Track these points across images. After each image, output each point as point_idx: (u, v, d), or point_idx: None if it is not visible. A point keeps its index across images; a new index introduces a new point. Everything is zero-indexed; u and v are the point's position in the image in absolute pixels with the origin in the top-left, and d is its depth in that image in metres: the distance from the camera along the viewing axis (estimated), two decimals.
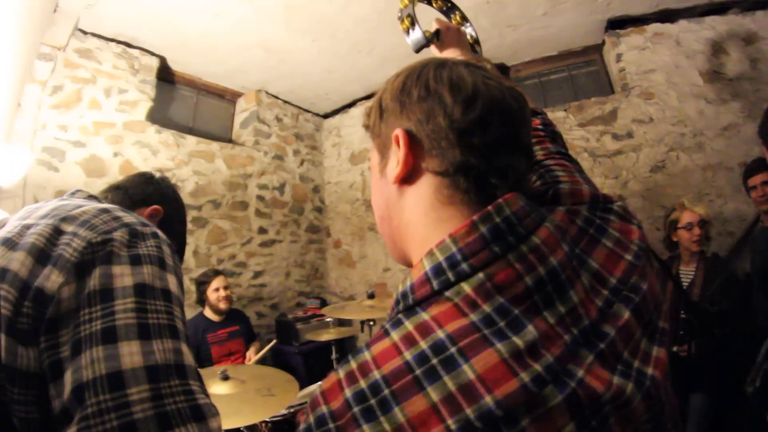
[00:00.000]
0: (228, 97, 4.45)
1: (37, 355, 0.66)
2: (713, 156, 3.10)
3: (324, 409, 0.46)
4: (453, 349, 0.44)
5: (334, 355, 3.23)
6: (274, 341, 3.29)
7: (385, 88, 0.64)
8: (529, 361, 0.43)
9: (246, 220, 4.20)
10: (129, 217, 0.82)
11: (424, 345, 0.45)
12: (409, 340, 0.46)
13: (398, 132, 0.58)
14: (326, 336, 3.17)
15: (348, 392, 0.45)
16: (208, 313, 3.28)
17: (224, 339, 3.25)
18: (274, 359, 3.73)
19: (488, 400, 0.40)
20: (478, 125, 0.54)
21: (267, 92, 4.49)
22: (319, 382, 2.48)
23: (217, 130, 4.34)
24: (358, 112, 4.93)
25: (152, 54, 3.51)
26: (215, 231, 3.90)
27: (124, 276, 0.72)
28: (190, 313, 3.31)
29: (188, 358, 0.72)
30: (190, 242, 3.67)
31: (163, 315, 0.73)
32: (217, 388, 2.04)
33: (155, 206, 1.14)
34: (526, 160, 0.59)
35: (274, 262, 4.43)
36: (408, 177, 0.59)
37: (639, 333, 0.53)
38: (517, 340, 0.44)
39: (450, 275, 0.49)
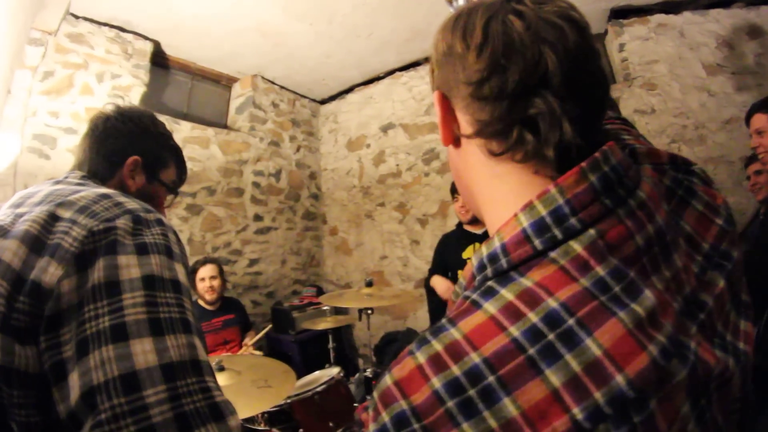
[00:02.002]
0: (223, 82, 4.37)
1: (36, 355, 0.62)
2: (715, 149, 3.07)
3: (403, 404, 0.39)
4: (571, 321, 0.37)
5: (330, 344, 3.22)
6: (270, 326, 3.27)
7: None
8: (651, 332, 0.38)
9: (241, 207, 4.15)
10: (131, 203, 0.77)
11: (534, 317, 0.38)
12: (513, 313, 0.39)
13: (434, 95, 0.55)
14: (323, 324, 3.15)
15: (436, 382, 0.38)
16: (202, 302, 3.24)
17: (219, 327, 3.22)
18: (269, 348, 3.72)
19: (620, 379, 0.35)
20: (491, 72, 0.46)
21: (263, 77, 4.42)
22: (317, 372, 2.47)
23: (212, 116, 4.28)
24: (355, 98, 4.87)
25: (146, 38, 3.43)
26: (210, 218, 3.85)
27: (130, 267, 0.67)
28: None
29: (202, 352, 0.69)
30: (185, 230, 3.63)
31: (174, 308, 0.68)
32: None
33: (130, 158, 1.01)
34: (574, 103, 0.45)
35: (270, 249, 4.40)
36: (456, 138, 0.55)
37: (729, 304, 0.48)
38: (637, 308, 0.38)
39: (557, 232, 0.42)
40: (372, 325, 3.17)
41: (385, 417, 0.39)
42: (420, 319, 4.13)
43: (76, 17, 3.03)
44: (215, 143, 3.95)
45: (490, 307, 0.41)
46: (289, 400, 2.35)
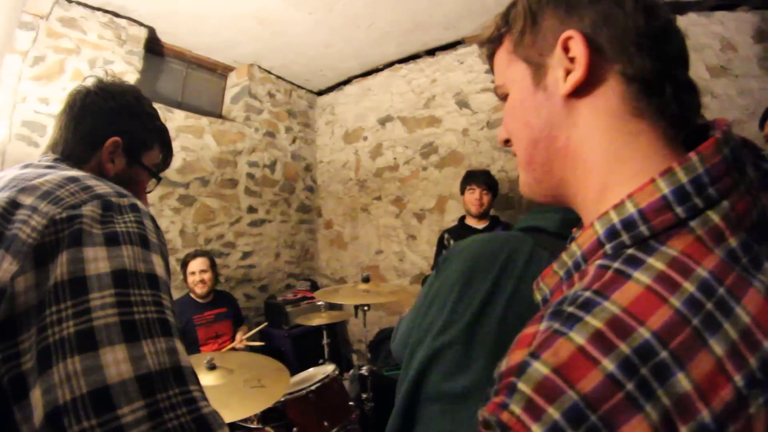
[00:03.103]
0: (219, 70, 4.28)
1: None
2: None
3: (573, 395, 0.34)
4: (722, 290, 0.36)
5: (325, 340, 3.18)
6: (265, 324, 3.23)
7: None
8: None
9: (235, 199, 4.09)
10: (102, 186, 0.69)
11: (690, 287, 0.36)
12: (669, 282, 0.37)
13: (572, 33, 0.50)
14: (317, 320, 3.12)
15: (608, 364, 0.34)
16: (194, 294, 3.20)
17: (211, 321, 3.18)
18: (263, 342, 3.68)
19: (767, 345, 0.34)
20: (664, 35, 0.48)
21: (260, 67, 4.32)
22: (311, 369, 2.43)
23: (206, 105, 4.19)
24: (353, 90, 4.79)
25: (140, 24, 3.34)
26: (203, 209, 3.79)
27: (98, 260, 0.59)
28: (176, 295, 3.23)
29: (184, 357, 0.61)
30: (177, 221, 3.57)
31: (150, 307, 0.61)
32: (203, 379, 1.92)
33: (110, 140, 0.91)
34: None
35: (264, 242, 4.35)
36: (584, 86, 0.50)
37: None
38: (763, 278, 0.38)
39: (698, 201, 0.40)
40: (367, 321, 3.14)
41: (554, 413, 0.34)
42: None
43: (69, 1, 2.93)
44: (209, 133, 3.88)
45: (643, 276, 0.38)
46: (282, 399, 2.30)
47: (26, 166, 0.79)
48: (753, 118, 2.93)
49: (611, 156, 0.49)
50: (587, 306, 0.38)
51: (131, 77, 3.25)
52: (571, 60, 0.50)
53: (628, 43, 0.48)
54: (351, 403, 2.70)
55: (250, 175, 4.24)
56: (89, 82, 0.97)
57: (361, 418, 2.75)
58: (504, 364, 0.40)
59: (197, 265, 3.16)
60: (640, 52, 0.48)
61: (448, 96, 4.08)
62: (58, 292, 0.55)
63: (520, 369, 0.38)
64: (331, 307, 3.47)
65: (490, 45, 0.62)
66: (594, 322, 0.36)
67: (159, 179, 1.07)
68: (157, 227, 0.72)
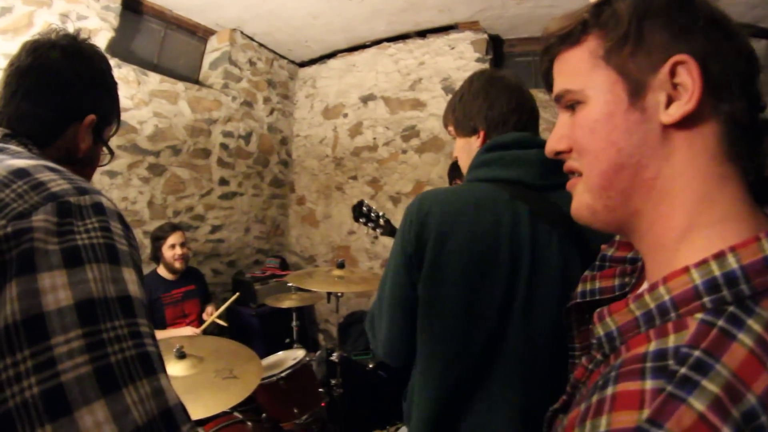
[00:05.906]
0: (199, 33, 4.02)
1: None
2: None
3: None
4: None
5: (294, 322, 3.13)
6: (237, 294, 3.14)
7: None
8: None
9: (207, 170, 3.92)
10: (58, 181, 0.55)
11: None
12: (765, 345, 0.38)
13: (685, 58, 0.46)
14: (288, 302, 3.07)
15: (726, 431, 0.35)
16: (162, 271, 3.04)
17: (179, 300, 3.05)
18: (229, 321, 3.59)
19: None
20: (758, 77, 0.49)
21: (242, 32, 4.09)
22: (281, 353, 2.36)
23: (183, 70, 3.96)
24: (337, 64, 4.60)
25: None
26: (173, 180, 3.62)
27: (57, 290, 0.47)
28: (144, 271, 3.07)
29: (171, 394, 0.52)
30: (145, 191, 3.39)
31: (127, 342, 0.50)
32: (172, 369, 1.83)
33: (88, 117, 0.80)
34: None
35: (234, 216, 4.20)
36: (687, 118, 0.47)
37: None
38: None
39: None
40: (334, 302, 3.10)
41: None
42: None
43: None
44: (184, 99, 3.66)
45: (746, 339, 0.39)
46: None
47: None
48: None
49: (702, 197, 0.48)
50: (701, 368, 0.38)
51: (105, 35, 3.03)
52: (675, 86, 0.48)
53: (734, 82, 0.47)
54: (321, 389, 2.69)
55: (224, 146, 4.05)
56: (60, 41, 0.81)
57: (330, 404, 2.74)
58: (603, 425, 0.39)
59: (177, 237, 3.00)
60: (743, 94, 0.47)
61: (435, 80, 3.98)
62: (11, 338, 0.44)
63: None
64: (301, 287, 3.41)
65: (563, 41, 0.56)
66: (711, 387, 0.36)
67: (113, 154, 0.94)
68: (126, 227, 0.59)
